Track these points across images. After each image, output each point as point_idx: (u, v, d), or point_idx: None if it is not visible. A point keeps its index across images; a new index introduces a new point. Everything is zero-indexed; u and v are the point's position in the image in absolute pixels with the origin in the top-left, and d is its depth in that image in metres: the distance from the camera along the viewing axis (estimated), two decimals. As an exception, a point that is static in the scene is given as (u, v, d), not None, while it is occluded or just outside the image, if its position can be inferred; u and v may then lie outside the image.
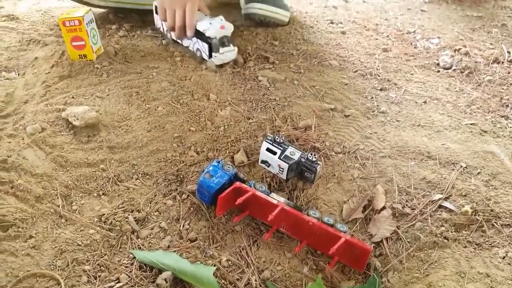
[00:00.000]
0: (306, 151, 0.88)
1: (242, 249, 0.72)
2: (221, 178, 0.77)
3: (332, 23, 1.47)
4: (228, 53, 1.11)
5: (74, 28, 1.03)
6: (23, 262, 0.65)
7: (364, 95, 1.08)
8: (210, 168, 0.78)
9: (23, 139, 0.83)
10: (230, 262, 0.70)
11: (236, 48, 1.12)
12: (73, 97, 0.95)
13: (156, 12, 1.20)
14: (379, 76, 1.17)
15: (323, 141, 0.92)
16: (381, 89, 1.11)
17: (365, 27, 1.47)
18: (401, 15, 1.68)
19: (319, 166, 0.82)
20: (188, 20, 1.10)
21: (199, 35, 1.10)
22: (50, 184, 0.76)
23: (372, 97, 1.08)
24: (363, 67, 1.20)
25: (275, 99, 1.03)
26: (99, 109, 0.92)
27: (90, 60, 1.07)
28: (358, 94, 1.08)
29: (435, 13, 1.75)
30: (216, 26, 1.08)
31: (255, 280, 0.68)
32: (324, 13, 1.57)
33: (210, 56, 1.10)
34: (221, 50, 1.09)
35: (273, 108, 1.00)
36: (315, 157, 0.82)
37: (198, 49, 1.13)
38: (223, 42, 1.09)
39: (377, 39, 1.39)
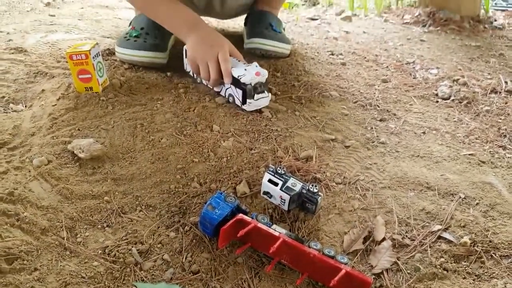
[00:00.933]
0: (307, 182, 0.90)
1: (244, 281, 0.73)
2: (223, 210, 0.78)
3: (332, 54, 1.50)
4: (262, 100, 1.09)
5: (81, 62, 1.06)
6: (28, 296, 0.66)
7: (364, 126, 1.10)
8: (213, 200, 0.79)
9: (29, 171, 0.85)
10: (232, 294, 0.71)
11: (270, 94, 1.11)
12: (78, 129, 0.97)
13: (186, 56, 1.21)
14: (378, 106, 1.19)
15: (324, 172, 0.94)
16: (380, 120, 1.13)
17: (365, 58, 1.50)
18: (400, 45, 1.71)
19: (320, 197, 0.83)
20: (224, 69, 1.09)
21: (233, 81, 1.09)
22: (55, 216, 0.78)
23: (372, 128, 1.09)
24: (363, 98, 1.23)
25: (276, 129, 1.05)
26: (104, 141, 0.94)
27: (96, 93, 1.09)
28: (358, 124, 1.10)
29: (434, 43, 1.79)
30: (252, 73, 1.07)
31: (257, 313, 0.68)
32: (325, 44, 1.60)
33: (243, 102, 1.09)
34: (256, 96, 1.08)
35: (275, 139, 1.02)
36: (316, 188, 0.84)
37: (230, 95, 1.12)
38: (257, 88, 1.08)
39: (376, 70, 1.42)
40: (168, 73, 1.25)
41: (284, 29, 1.48)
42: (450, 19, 2.10)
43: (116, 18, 1.69)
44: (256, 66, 1.10)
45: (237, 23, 1.74)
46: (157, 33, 1.27)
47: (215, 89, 1.17)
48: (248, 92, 1.07)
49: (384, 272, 0.75)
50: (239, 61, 1.14)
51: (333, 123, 1.10)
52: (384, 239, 0.80)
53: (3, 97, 1.10)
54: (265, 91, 1.09)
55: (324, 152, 1.00)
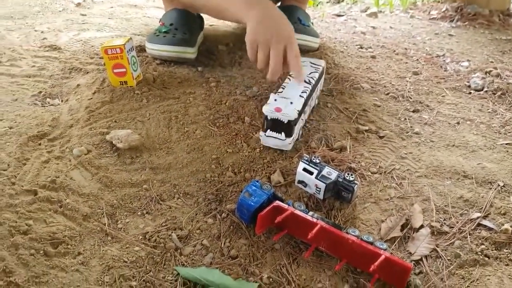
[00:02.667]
0: (342, 171, 0.90)
1: (283, 266, 0.73)
2: (260, 197, 0.79)
3: (361, 48, 1.50)
4: (275, 140, 0.94)
5: (115, 56, 1.08)
6: (73, 278, 0.67)
7: (397, 117, 1.09)
8: (249, 188, 0.80)
9: (70, 160, 0.87)
10: (271, 279, 0.71)
11: (291, 140, 0.94)
12: (115, 121, 0.99)
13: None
14: (411, 98, 1.18)
15: (359, 162, 0.94)
16: (413, 111, 1.13)
17: (394, 51, 1.49)
18: (429, 40, 1.70)
19: (356, 185, 0.83)
20: (295, 64, 0.98)
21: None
22: (96, 203, 0.80)
23: (405, 119, 1.09)
24: (395, 90, 1.22)
25: (309, 121, 1.05)
26: (141, 132, 0.96)
27: (130, 87, 1.11)
28: (391, 115, 1.10)
29: (463, 38, 1.77)
30: (283, 101, 0.95)
31: (297, 297, 0.69)
32: (353, 38, 1.60)
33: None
34: (268, 132, 0.94)
35: (308, 130, 1.02)
36: (352, 177, 0.84)
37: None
38: (273, 124, 0.93)
39: (407, 62, 1.41)
40: (199, 68, 1.26)
41: (312, 23, 1.48)
42: (479, 14, 2.07)
43: (145, 16, 1.72)
44: (301, 95, 0.97)
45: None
46: (185, 28, 1.29)
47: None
48: (263, 122, 0.94)
49: (423, 258, 0.74)
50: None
51: (366, 114, 1.09)
52: (422, 226, 0.79)
53: (40, 92, 1.13)
54: (283, 134, 0.92)
55: (358, 143, 0.99)
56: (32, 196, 0.78)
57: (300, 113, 0.95)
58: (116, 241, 0.74)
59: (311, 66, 1.09)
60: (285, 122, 0.91)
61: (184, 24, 1.30)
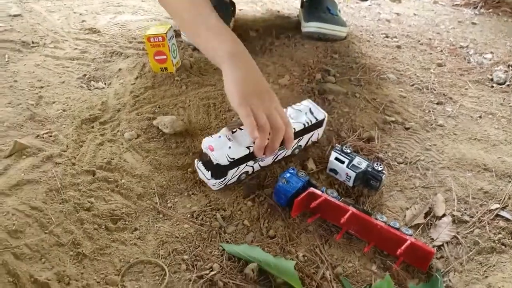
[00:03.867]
0: (371, 161, 0.97)
1: (316, 247, 0.81)
2: (296, 184, 0.86)
3: (387, 37, 1.55)
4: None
5: (157, 44, 1.15)
6: (132, 251, 0.76)
7: (421, 109, 1.16)
8: (286, 175, 0.88)
9: (122, 144, 0.95)
10: (306, 257, 0.79)
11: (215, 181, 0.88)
12: (159, 107, 1.06)
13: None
14: (435, 90, 1.24)
15: (386, 152, 1.01)
16: (437, 103, 1.18)
17: (419, 41, 1.54)
18: (452, 29, 1.73)
19: (384, 175, 0.90)
20: (288, 131, 0.85)
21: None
22: (148, 184, 0.88)
23: (430, 111, 1.15)
24: (420, 81, 1.28)
25: (338, 112, 1.12)
26: (184, 119, 1.03)
27: (170, 73, 1.18)
28: (416, 107, 1.16)
29: (486, 26, 1.80)
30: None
31: (329, 275, 0.77)
32: (379, 26, 1.64)
33: None
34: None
35: (338, 120, 1.09)
36: (381, 167, 0.91)
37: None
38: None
39: (431, 53, 1.45)
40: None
41: (339, 10, 1.53)
42: (503, 1, 2.08)
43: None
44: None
45: (291, 4, 1.79)
46: (220, 15, 1.34)
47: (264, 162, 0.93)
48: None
49: (445, 244, 0.82)
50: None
51: (392, 106, 1.16)
52: (444, 215, 0.87)
53: (85, 75, 1.20)
54: (210, 172, 0.87)
55: (385, 133, 1.06)
56: (91, 176, 0.87)
57: (237, 162, 0.86)
58: (167, 218, 0.83)
59: (306, 116, 0.96)
60: (214, 163, 0.85)
61: (219, 11, 1.35)
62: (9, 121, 0.98)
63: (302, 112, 0.97)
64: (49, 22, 1.48)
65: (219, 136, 0.88)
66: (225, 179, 0.88)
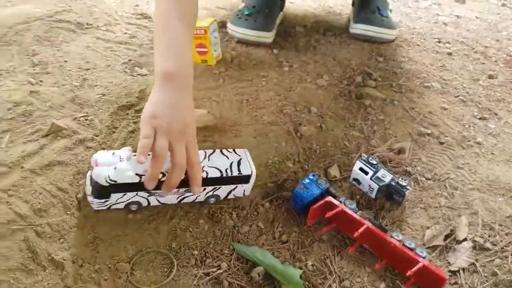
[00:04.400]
0: (397, 174, 0.94)
1: (327, 257, 0.81)
2: (314, 191, 0.86)
3: (439, 42, 1.48)
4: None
5: (199, 36, 1.17)
6: (146, 240, 0.79)
7: (462, 123, 1.11)
8: (305, 181, 0.87)
9: (151, 133, 0.98)
10: (315, 267, 0.79)
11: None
12: (194, 99, 1.08)
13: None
14: (480, 104, 1.18)
15: (415, 166, 0.98)
16: (480, 118, 1.13)
17: (473, 49, 1.46)
18: (515, 37, 1.63)
19: (408, 191, 0.88)
20: (195, 173, 0.78)
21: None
22: (170, 176, 0.91)
23: (470, 126, 1.10)
24: (465, 93, 1.22)
25: (373, 118, 1.09)
26: (215, 113, 1.05)
27: (209, 65, 1.20)
28: (456, 121, 1.11)
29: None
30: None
31: (335, 287, 0.77)
32: (433, 30, 1.57)
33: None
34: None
35: (371, 127, 1.07)
36: (405, 182, 0.88)
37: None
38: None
39: (484, 63, 1.38)
40: (275, 51, 1.32)
41: (391, 10, 1.48)
42: None
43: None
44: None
45: (345, 0, 1.75)
46: (267, 12, 1.34)
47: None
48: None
49: (461, 270, 0.79)
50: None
51: (431, 117, 1.12)
52: (465, 239, 0.84)
53: (130, 60, 1.25)
54: (90, 188, 0.78)
55: (418, 146, 1.03)
56: (118, 163, 0.90)
57: (121, 187, 0.77)
58: (185, 212, 0.85)
59: (231, 166, 0.85)
60: (93, 178, 0.77)
61: (266, 7, 1.36)
62: (52, 101, 1.03)
63: (228, 160, 0.86)
64: (105, 4, 1.53)
65: (113, 153, 0.79)
66: (106, 201, 0.79)
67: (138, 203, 0.82)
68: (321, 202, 0.85)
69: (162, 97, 0.80)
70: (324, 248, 0.83)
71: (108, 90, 1.10)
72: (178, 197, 0.84)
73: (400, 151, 1.01)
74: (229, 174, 0.84)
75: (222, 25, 1.42)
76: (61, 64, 1.19)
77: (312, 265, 0.80)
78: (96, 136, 0.96)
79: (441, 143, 1.04)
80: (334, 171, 0.96)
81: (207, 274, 0.76)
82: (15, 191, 0.82)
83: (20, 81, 1.08)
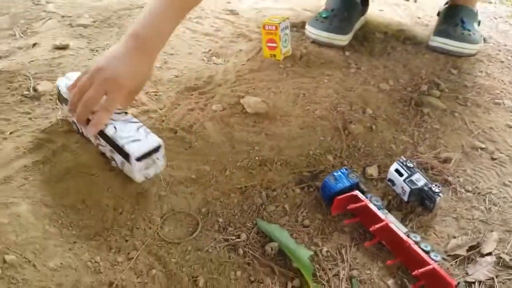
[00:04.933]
0: (436, 182, 0.93)
1: (343, 247, 0.84)
2: (342, 184, 0.89)
3: (528, 61, 1.40)
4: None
5: (271, 32, 1.25)
6: (181, 202, 0.89)
7: (524, 143, 1.05)
8: (336, 173, 0.91)
9: (208, 113, 1.08)
10: (329, 253, 0.83)
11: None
12: (253, 88, 1.17)
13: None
14: (552, 127, 1.11)
15: (458, 177, 0.96)
16: (547, 142, 1.06)
17: None
18: None
19: (439, 197, 0.87)
20: (98, 118, 0.86)
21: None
22: (215, 151, 0.99)
23: (533, 147, 1.04)
24: (539, 115, 1.15)
25: (428, 126, 1.08)
26: (270, 103, 1.12)
27: (277, 60, 1.27)
28: (518, 140, 1.06)
29: None
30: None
31: (343, 275, 0.79)
32: (526, 49, 1.49)
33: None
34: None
35: (423, 134, 1.06)
36: (438, 189, 0.88)
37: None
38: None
39: None
40: (347, 53, 1.35)
41: (479, 23, 1.43)
42: None
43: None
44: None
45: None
46: (345, 15, 1.38)
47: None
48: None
49: (477, 283, 0.77)
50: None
51: (490, 133, 1.07)
52: (490, 253, 0.81)
53: (210, 50, 1.36)
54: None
55: (467, 158, 1.00)
56: (172, 134, 1.02)
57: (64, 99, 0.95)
58: (220, 184, 0.93)
59: (134, 134, 0.87)
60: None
61: (345, 11, 1.39)
62: (131, 77, 1.18)
63: (134, 135, 0.87)
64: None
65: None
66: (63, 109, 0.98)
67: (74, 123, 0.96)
68: (347, 194, 0.88)
69: (116, 50, 0.90)
70: (343, 238, 0.85)
71: (182, 73, 1.23)
72: (97, 142, 0.92)
73: (446, 160, 0.99)
74: (118, 141, 0.86)
75: (303, 25, 1.49)
76: (150, 48, 1.34)
77: (327, 251, 0.83)
78: (160, 109, 1.08)
79: (493, 159, 1.00)
80: (372, 170, 0.97)
81: (226, 240, 0.83)
82: (82, 144, 0.96)
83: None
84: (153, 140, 0.87)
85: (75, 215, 0.83)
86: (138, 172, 0.87)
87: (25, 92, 1.09)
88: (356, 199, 0.87)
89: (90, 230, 0.81)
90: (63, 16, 1.49)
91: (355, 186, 0.90)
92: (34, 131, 0.98)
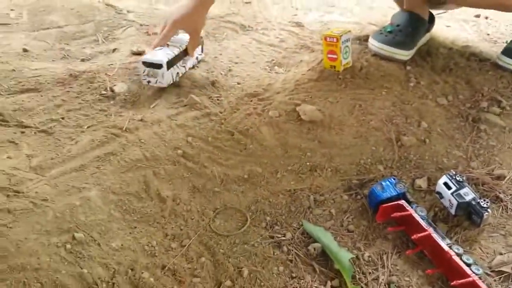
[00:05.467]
0: (486, 198, 0.93)
1: (385, 253, 0.86)
2: (389, 193, 0.91)
3: None
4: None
5: (331, 44, 1.29)
6: (233, 199, 0.95)
7: None
8: (384, 182, 0.93)
9: (265, 118, 1.14)
10: (370, 258, 0.85)
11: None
12: (311, 97, 1.21)
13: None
14: None
15: (510, 195, 0.95)
16: None
17: None
18: None
19: (487, 213, 0.87)
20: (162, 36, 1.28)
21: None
22: (268, 154, 1.05)
23: None
24: None
25: (482, 142, 1.08)
26: (325, 111, 1.16)
27: (337, 71, 1.31)
28: None
29: None
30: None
31: (382, 279, 0.82)
32: None
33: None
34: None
35: (477, 150, 1.06)
36: (486, 204, 0.88)
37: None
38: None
39: None
40: (408, 67, 1.36)
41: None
42: None
43: (390, 7, 1.83)
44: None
45: (508, 29, 1.67)
46: (410, 31, 1.39)
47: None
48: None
49: (519, 300, 0.77)
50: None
51: (553, 152, 1.05)
52: (536, 273, 0.80)
53: (273, 60, 1.43)
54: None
55: (523, 177, 0.99)
56: (229, 136, 1.09)
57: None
58: (270, 186, 0.98)
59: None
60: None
61: (410, 27, 1.40)
62: (197, 82, 1.27)
63: (169, 49, 1.27)
64: (268, 11, 1.76)
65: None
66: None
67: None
68: (393, 203, 0.90)
69: (184, 3, 1.29)
70: (386, 245, 0.88)
71: (244, 80, 1.30)
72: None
73: (499, 177, 0.98)
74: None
75: (366, 38, 1.51)
76: (216, 56, 1.43)
77: (369, 256, 0.86)
78: (221, 112, 1.16)
79: (550, 179, 0.98)
80: (421, 182, 0.99)
81: (272, 237, 0.88)
82: (149, 139, 1.05)
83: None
84: (160, 59, 1.20)
85: (137, 202, 0.92)
86: (143, 73, 1.23)
87: (103, 92, 1.22)
88: (401, 208, 0.89)
89: (149, 217, 0.90)
90: (141, 25, 1.62)
91: (402, 196, 0.92)
92: (108, 126, 1.09)
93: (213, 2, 1.31)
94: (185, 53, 1.30)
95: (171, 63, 1.23)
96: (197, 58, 1.37)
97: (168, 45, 1.28)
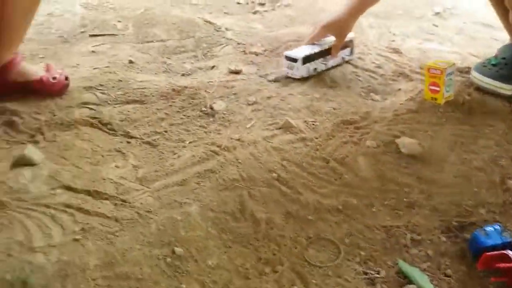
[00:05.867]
0: None
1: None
2: (493, 241, 0.87)
3: None
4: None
5: (435, 75, 1.26)
6: (327, 229, 0.94)
7: None
8: (489, 228, 0.89)
9: (361, 148, 1.13)
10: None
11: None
12: (410, 129, 1.18)
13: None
14: None
15: None
16: None
17: None
18: None
19: None
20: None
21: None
22: (364, 185, 1.03)
23: None
24: None
25: None
26: (425, 146, 1.12)
27: (438, 104, 1.27)
28: None
29: None
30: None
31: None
32: None
33: None
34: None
35: None
36: None
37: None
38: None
39: None
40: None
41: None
42: None
43: (493, 38, 1.75)
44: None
45: None
46: None
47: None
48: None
49: None
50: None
51: None
52: None
53: (369, 86, 1.42)
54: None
55: None
56: (324, 163, 1.08)
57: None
58: (365, 219, 0.97)
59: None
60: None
61: None
62: (293, 105, 1.29)
63: (309, 49, 1.48)
64: (365, 36, 1.75)
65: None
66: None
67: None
68: (498, 252, 0.85)
69: (336, 10, 1.50)
70: (481, 293, 0.83)
71: (340, 105, 1.30)
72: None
73: None
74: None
75: (468, 70, 1.46)
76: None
77: (464, 304, 0.82)
78: (316, 138, 1.16)
79: None
80: (527, 230, 0.93)
81: (366, 273, 0.86)
82: (246, 160, 1.08)
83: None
84: (297, 55, 1.41)
85: (233, 222, 0.94)
86: (285, 65, 1.45)
87: (203, 109, 1.26)
88: (507, 258, 0.84)
89: (243, 238, 0.92)
90: (238, 43, 1.67)
91: (507, 245, 0.87)
92: (207, 143, 1.13)
93: (362, 13, 1.50)
94: (327, 52, 1.46)
95: (307, 59, 1.41)
96: (343, 58, 1.52)
97: (314, 44, 1.47)
